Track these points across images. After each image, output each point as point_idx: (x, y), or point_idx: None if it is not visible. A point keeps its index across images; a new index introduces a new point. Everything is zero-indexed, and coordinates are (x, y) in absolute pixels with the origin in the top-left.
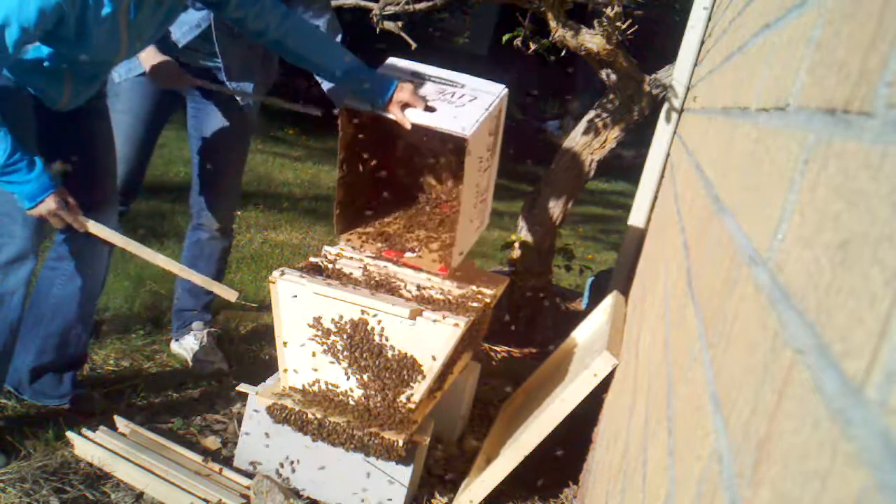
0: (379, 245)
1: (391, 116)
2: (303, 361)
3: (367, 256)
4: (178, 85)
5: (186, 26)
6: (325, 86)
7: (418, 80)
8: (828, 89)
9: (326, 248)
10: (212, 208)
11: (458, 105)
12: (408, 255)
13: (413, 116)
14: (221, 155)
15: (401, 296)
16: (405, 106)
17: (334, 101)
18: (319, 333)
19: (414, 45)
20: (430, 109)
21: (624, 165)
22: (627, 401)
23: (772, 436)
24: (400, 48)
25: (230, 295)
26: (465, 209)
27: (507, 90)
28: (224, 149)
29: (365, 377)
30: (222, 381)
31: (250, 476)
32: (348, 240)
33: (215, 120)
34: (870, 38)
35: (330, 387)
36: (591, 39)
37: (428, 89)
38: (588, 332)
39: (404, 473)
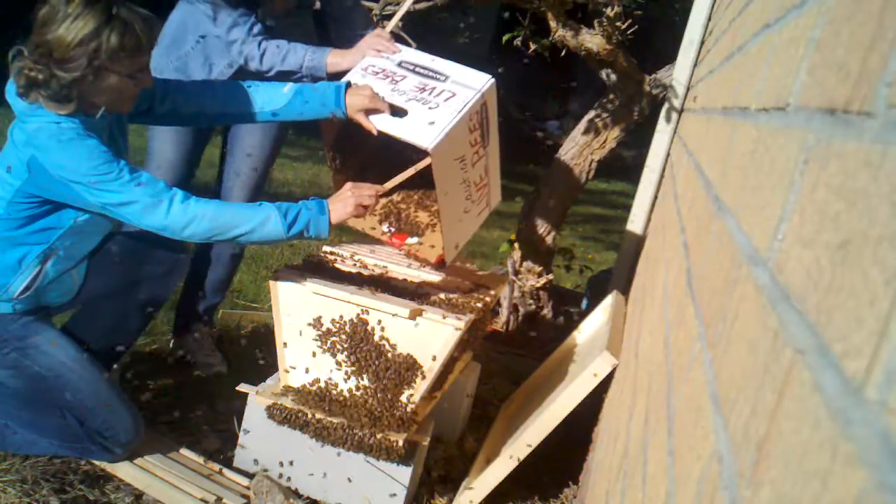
0: (388, 226)
1: (358, 123)
2: (303, 361)
3: (366, 256)
4: None
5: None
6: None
7: (402, 71)
8: (828, 89)
9: (326, 247)
10: None
11: (433, 106)
12: (410, 240)
13: (379, 123)
14: (254, 158)
15: (400, 296)
16: (370, 111)
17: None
18: (319, 333)
19: (414, 45)
20: (399, 112)
21: (624, 165)
22: (627, 401)
23: (772, 436)
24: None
25: None
26: (449, 211)
27: (492, 81)
28: (257, 153)
29: (365, 377)
30: (222, 382)
31: (250, 476)
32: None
33: (252, 127)
34: (870, 38)
35: (330, 387)
36: (591, 39)
37: (408, 84)
38: (588, 332)
39: (404, 473)
